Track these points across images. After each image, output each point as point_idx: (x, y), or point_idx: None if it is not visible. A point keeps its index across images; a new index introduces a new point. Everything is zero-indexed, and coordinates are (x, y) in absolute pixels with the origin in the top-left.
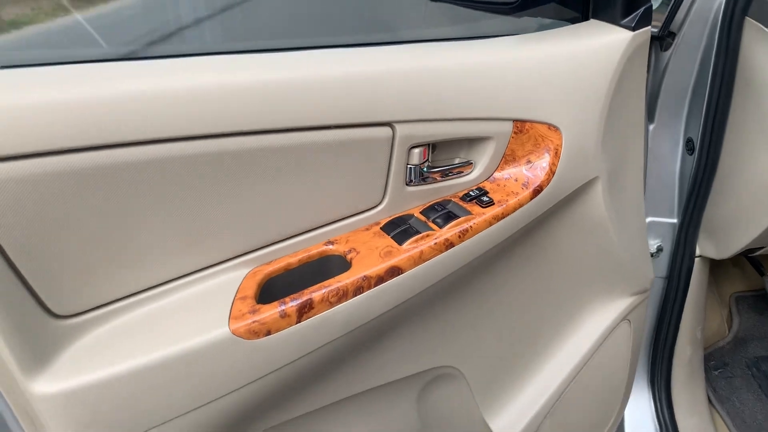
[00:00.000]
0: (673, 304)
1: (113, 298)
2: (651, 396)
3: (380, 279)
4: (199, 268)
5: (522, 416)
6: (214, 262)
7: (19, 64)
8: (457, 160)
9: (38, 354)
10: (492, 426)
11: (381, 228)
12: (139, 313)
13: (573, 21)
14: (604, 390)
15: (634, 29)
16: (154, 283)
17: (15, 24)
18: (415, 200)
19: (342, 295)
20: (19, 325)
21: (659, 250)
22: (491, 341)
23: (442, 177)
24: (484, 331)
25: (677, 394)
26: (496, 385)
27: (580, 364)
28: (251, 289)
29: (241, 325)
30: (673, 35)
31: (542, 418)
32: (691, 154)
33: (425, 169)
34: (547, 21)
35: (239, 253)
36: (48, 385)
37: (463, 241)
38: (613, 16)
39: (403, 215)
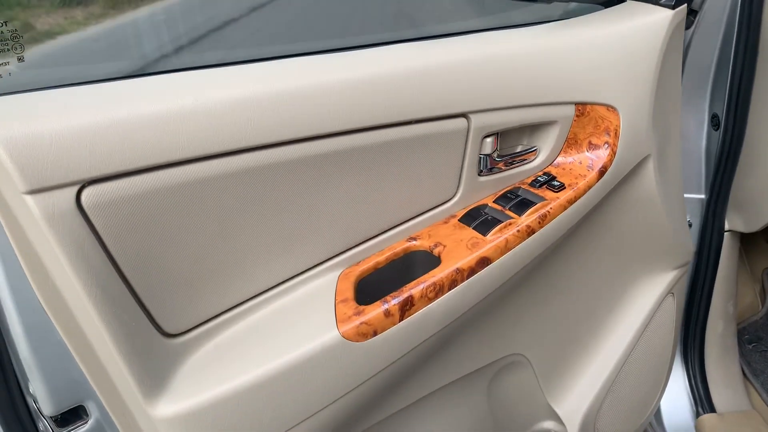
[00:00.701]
0: (704, 278)
1: (218, 311)
2: (685, 370)
3: (472, 270)
4: (295, 273)
5: (584, 398)
6: (308, 267)
7: (113, 77)
8: (519, 148)
9: (156, 376)
10: (557, 410)
11: (459, 220)
12: (244, 324)
13: (606, 4)
14: (655, 362)
15: (674, 7)
16: (256, 292)
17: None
18: (486, 190)
19: (439, 290)
20: (137, 347)
21: (688, 225)
22: (553, 325)
23: (506, 165)
24: (547, 315)
25: (711, 368)
26: (558, 368)
27: (633, 339)
28: (349, 291)
29: (349, 327)
30: (694, 13)
31: (603, 398)
32: (716, 130)
33: (497, 158)
34: (577, 5)
35: (330, 256)
36: (168, 407)
37: (542, 226)
38: None
39: (478, 206)
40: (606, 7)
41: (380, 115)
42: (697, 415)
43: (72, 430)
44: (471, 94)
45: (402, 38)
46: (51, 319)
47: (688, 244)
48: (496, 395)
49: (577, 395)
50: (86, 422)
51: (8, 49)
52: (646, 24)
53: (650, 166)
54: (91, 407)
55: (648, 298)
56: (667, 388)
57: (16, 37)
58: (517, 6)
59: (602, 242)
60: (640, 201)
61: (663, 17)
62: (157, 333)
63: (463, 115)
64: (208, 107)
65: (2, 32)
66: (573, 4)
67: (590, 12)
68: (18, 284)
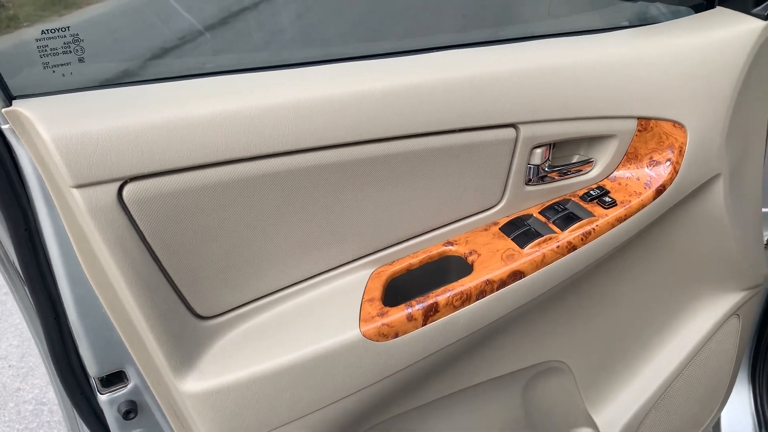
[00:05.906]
0: None
1: (249, 299)
2: (751, 391)
3: (502, 283)
4: (329, 268)
5: (626, 409)
6: (342, 263)
7: (174, 75)
8: (576, 158)
9: (185, 354)
10: (596, 419)
11: (500, 229)
12: (273, 313)
13: (697, 8)
14: (709, 384)
15: (767, 18)
16: (287, 284)
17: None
18: (533, 199)
19: (465, 299)
20: (169, 326)
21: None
22: (600, 336)
23: (560, 176)
24: (593, 326)
25: None
26: (602, 378)
27: (687, 358)
28: (377, 291)
29: (371, 327)
30: None
31: (646, 412)
32: None
33: (546, 168)
34: (671, 8)
35: (364, 254)
36: (195, 384)
37: (585, 243)
38: (744, 4)
39: (522, 215)
40: (696, 11)
41: (425, 123)
42: None
43: (114, 390)
44: (521, 104)
45: (456, 43)
46: (97, 293)
47: (760, 266)
48: (532, 397)
49: (618, 406)
50: (126, 386)
51: (70, 51)
52: (732, 35)
53: (720, 186)
54: (130, 373)
55: (708, 317)
56: (731, 408)
57: (77, 40)
58: (599, 5)
59: (660, 259)
60: (706, 220)
61: (752, 29)
62: (190, 315)
63: (512, 125)
64: (248, 113)
65: (65, 35)
66: (673, 8)
67: (680, 16)
68: (70, 261)
